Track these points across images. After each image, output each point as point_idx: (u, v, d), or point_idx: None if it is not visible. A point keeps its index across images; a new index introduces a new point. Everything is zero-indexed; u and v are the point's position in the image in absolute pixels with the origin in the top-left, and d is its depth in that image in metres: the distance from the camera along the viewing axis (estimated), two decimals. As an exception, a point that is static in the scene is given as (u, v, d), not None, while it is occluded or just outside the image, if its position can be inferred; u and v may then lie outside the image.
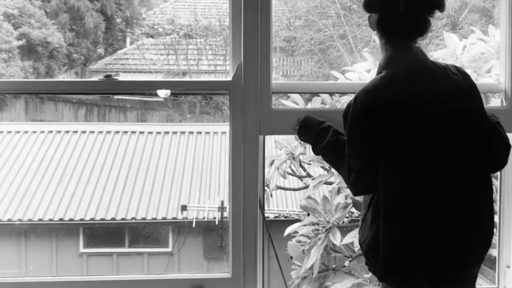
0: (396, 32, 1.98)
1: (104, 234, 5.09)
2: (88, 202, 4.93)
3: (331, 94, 3.02)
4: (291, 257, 2.99)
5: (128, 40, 5.44)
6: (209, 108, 5.38)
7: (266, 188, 3.09)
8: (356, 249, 2.93)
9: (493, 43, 3.03)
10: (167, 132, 5.41)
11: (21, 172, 5.08)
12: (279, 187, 3.45)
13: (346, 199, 2.89)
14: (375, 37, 3.33)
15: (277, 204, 4.76)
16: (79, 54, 5.11)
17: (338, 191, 2.92)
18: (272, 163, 3.18)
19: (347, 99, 2.94)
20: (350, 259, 2.94)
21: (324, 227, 2.86)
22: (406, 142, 1.91)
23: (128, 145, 5.32)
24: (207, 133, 5.42)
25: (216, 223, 4.85)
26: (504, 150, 2.03)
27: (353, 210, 2.91)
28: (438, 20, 4.21)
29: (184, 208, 4.90)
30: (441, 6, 1.97)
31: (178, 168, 5.23)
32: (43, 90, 3.21)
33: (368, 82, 2.00)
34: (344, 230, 2.85)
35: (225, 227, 4.70)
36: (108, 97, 5.28)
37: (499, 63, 2.69)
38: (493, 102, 2.85)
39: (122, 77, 2.52)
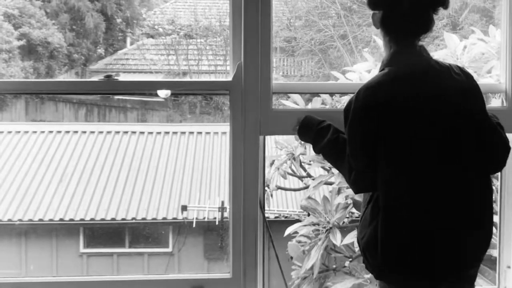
0: (400, 30, 1.98)
1: (104, 234, 5.09)
2: (89, 202, 4.93)
3: (331, 94, 3.02)
4: (292, 258, 2.99)
5: (128, 40, 5.44)
6: (210, 108, 5.38)
7: (266, 188, 3.09)
8: (356, 250, 2.92)
9: (493, 43, 3.03)
10: (167, 132, 5.41)
11: (22, 172, 5.08)
12: (279, 188, 3.45)
13: (346, 199, 2.88)
14: (375, 37, 3.34)
15: (277, 205, 4.76)
16: (80, 54, 5.11)
17: (339, 191, 2.92)
18: (272, 163, 3.18)
19: (347, 99, 2.93)
20: (350, 259, 2.94)
21: (324, 227, 2.86)
22: (406, 141, 1.90)
23: (128, 145, 5.31)
24: (207, 133, 5.42)
25: (217, 223, 4.85)
26: (504, 151, 2.03)
27: (354, 210, 2.91)
28: (438, 21, 4.21)
29: (184, 208, 4.90)
30: (445, 3, 1.96)
31: (178, 168, 5.22)
32: (43, 90, 3.21)
33: (371, 78, 2.00)
34: (345, 231, 2.85)
35: (225, 227, 4.70)
36: (108, 97, 5.28)
37: (500, 63, 2.69)
38: (494, 103, 2.85)
39: (123, 77, 2.52)
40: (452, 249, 1.91)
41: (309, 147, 3.01)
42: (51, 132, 5.31)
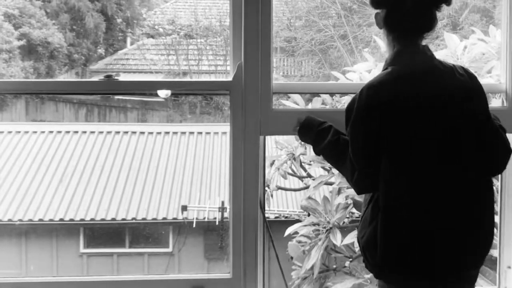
0: (403, 28, 1.97)
1: (105, 234, 5.09)
2: (89, 202, 4.93)
3: (331, 94, 3.02)
4: (292, 258, 2.99)
5: (128, 40, 5.44)
6: (210, 108, 5.37)
7: (266, 188, 3.08)
8: (356, 250, 2.92)
9: (493, 43, 3.03)
10: (167, 133, 5.40)
11: (22, 172, 5.08)
12: (279, 188, 3.45)
13: (346, 199, 2.88)
14: (375, 37, 3.34)
15: (277, 205, 4.76)
16: (80, 54, 5.11)
17: (339, 191, 2.92)
18: (272, 163, 3.18)
19: (347, 100, 2.92)
20: (350, 259, 2.94)
21: (324, 227, 2.86)
22: (406, 141, 1.90)
23: (128, 146, 5.31)
24: (208, 133, 5.41)
25: (217, 223, 4.85)
26: (504, 154, 2.03)
27: (354, 210, 2.90)
28: (438, 21, 4.20)
29: (184, 208, 4.90)
30: (448, 0, 1.96)
31: (178, 169, 5.22)
32: (43, 90, 3.21)
33: (373, 77, 2.00)
34: (345, 231, 2.85)
35: (225, 227, 4.70)
36: (108, 97, 5.28)
37: (500, 63, 2.69)
38: (494, 103, 2.85)
39: (123, 77, 2.52)
40: (452, 249, 1.91)
41: (309, 147, 3.00)
42: (51, 132, 5.31)
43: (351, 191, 2.79)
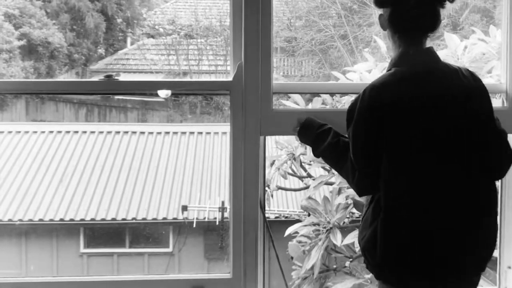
0: (408, 26, 1.97)
1: (105, 234, 5.09)
2: (89, 202, 4.93)
3: (332, 94, 3.02)
4: (292, 258, 2.99)
5: (128, 40, 5.44)
6: (210, 108, 5.37)
7: (266, 188, 3.08)
8: (356, 250, 2.92)
9: (494, 43, 3.03)
10: (167, 133, 5.40)
11: (22, 172, 5.08)
12: (279, 188, 3.45)
13: (347, 199, 2.88)
14: (376, 37, 3.34)
15: (277, 205, 4.76)
16: (80, 54, 5.11)
17: (339, 191, 2.92)
18: (272, 163, 3.18)
19: (348, 100, 2.93)
20: (351, 259, 2.93)
21: (324, 227, 2.86)
22: (406, 141, 1.90)
23: (128, 146, 5.31)
24: (208, 133, 5.42)
25: (217, 223, 4.85)
26: (507, 158, 2.02)
27: (354, 210, 2.90)
28: (439, 21, 4.19)
29: (184, 208, 4.90)
30: None
31: (178, 169, 5.22)
32: (43, 90, 3.21)
33: (377, 78, 2.00)
34: (345, 231, 2.85)
35: (225, 227, 4.70)
36: (108, 97, 5.28)
37: (500, 63, 2.69)
38: (494, 103, 2.84)
39: (123, 77, 2.52)
40: (451, 249, 1.91)
41: (310, 148, 3.00)
42: (51, 132, 5.31)
43: (352, 191, 2.79)
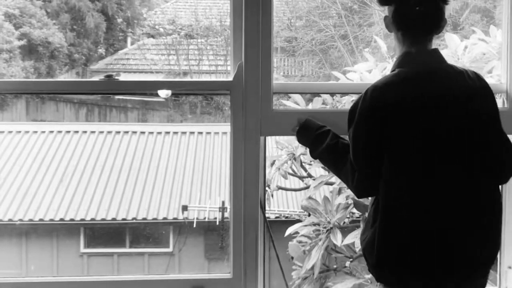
0: (411, 24, 1.97)
1: (105, 234, 5.09)
2: (89, 202, 4.93)
3: (332, 94, 3.02)
4: (292, 258, 2.99)
5: (129, 40, 5.44)
6: (210, 108, 5.38)
7: (267, 188, 3.09)
8: (357, 250, 2.92)
9: (494, 43, 3.03)
10: (167, 132, 5.40)
11: (22, 172, 5.08)
12: (280, 188, 3.45)
13: (347, 199, 2.88)
14: (376, 37, 3.33)
15: (278, 205, 4.76)
16: (80, 54, 5.11)
17: (339, 191, 2.92)
18: (273, 163, 3.18)
19: (348, 100, 2.93)
20: (351, 259, 2.93)
21: (325, 227, 2.86)
22: (407, 141, 1.90)
23: (129, 145, 5.32)
24: (208, 133, 5.42)
25: (217, 223, 4.85)
26: (510, 160, 2.02)
27: (354, 210, 2.90)
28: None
29: (185, 208, 4.90)
30: None
31: (179, 168, 5.22)
32: (44, 90, 3.21)
33: (380, 78, 2.00)
34: (345, 231, 2.85)
35: (226, 227, 4.70)
36: (109, 97, 5.28)
37: (501, 63, 2.69)
38: (494, 103, 2.84)
39: (123, 77, 2.52)
40: (452, 249, 1.91)
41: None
42: (51, 132, 5.31)
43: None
